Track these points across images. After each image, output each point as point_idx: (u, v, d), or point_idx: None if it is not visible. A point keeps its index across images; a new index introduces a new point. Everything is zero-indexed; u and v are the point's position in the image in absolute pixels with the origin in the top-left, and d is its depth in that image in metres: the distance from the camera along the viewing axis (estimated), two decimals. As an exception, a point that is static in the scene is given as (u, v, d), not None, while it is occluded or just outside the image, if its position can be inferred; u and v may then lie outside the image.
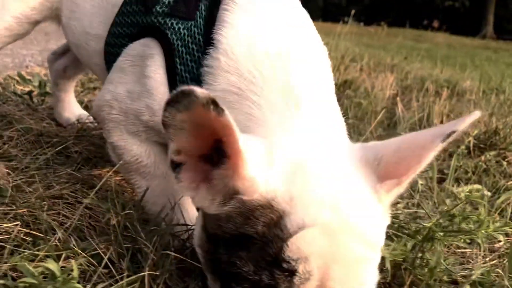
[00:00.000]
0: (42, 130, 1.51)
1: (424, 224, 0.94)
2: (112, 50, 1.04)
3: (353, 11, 4.46)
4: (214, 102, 0.56)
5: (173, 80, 0.89)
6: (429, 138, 0.69)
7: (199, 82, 0.85)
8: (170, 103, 0.57)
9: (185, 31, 0.89)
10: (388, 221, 0.74)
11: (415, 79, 3.76)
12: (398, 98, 2.52)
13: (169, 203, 0.97)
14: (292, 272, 0.62)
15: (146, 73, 0.91)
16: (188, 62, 0.88)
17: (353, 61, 4.06)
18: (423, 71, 4.39)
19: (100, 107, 1.00)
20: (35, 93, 1.93)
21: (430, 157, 0.68)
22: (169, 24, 0.91)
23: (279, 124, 0.75)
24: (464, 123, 0.67)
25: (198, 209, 0.85)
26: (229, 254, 0.66)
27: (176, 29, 0.90)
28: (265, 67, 0.80)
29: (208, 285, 0.77)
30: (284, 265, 0.62)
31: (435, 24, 14.37)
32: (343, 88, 3.03)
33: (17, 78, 2.16)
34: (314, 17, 1.02)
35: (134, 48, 0.97)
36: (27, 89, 2.05)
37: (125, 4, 1.01)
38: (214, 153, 0.65)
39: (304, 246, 0.63)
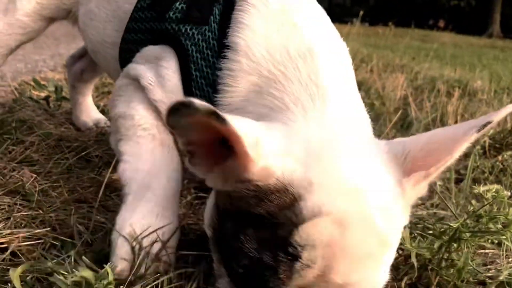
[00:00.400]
0: (61, 134, 1.52)
1: (451, 224, 0.94)
2: (126, 56, 1.03)
3: (361, 12, 4.46)
4: (215, 113, 0.56)
5: (188, 85, 0.89)
6: (460, 131, 0.68)
7: (214, 87, 0.85)
8: (171, 113, 0.56)
9: (199, 36, 0.88)
10: (406, 219, 0.72)
11: (425, 80, 3.76)
12: (410, 99, 2.52)
13: (150, 173, 0.89)
14: (295, 257, 0.62)
15: (161, 73, 0.90)
16: (203, 68, 0.87)
17: (362, 62, 4.06)
18: (433, 71, 4.38)
19: (120, 84, 0.99)
20: (52, 98, 1.94)
21: (462, 148, 0.66)
22: (183, 31, 0.90)
23: (302, 114, 0.75)
24: (499, 115, 0.66)
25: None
26: (236, 229, 0.66)
27: (190, 35, 0.89)
28: (286, 66, 0.81)
29: (214, 269, 0.76)
30: (290, 249, 0.61)
31: (441, 23, 14.33)
32: (354, 89, 3.03)
33: (32, 83, 2.18)
34: None
35: (150, 49, 0.96)
36: (42, 94, 2.07)
37: (137, 10, 1.01)
38: (224, 143, 0.65)
39: (314, 234, 0.62)
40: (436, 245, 0.95)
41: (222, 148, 0.65)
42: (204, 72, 0.87)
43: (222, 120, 0.56)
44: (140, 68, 0.94)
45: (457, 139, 0.67)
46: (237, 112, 0.80)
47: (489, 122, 0.65)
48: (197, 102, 0.54)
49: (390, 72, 3.76)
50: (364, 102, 2.57)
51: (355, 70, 2.98)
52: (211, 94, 0.86)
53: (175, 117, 0.57)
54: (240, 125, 0.59)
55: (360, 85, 3.14)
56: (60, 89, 1.94)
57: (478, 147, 1.94)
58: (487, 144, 1.98)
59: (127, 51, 1.02)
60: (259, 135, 0.64)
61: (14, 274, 0.71)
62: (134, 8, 1.01)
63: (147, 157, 0.91)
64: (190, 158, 0.67)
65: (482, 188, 0.95)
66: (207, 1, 0.92)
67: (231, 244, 0.66)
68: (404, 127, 2.37)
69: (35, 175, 1.19)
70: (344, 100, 0.79)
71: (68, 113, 1.84)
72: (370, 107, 2.57)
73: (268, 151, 0.64)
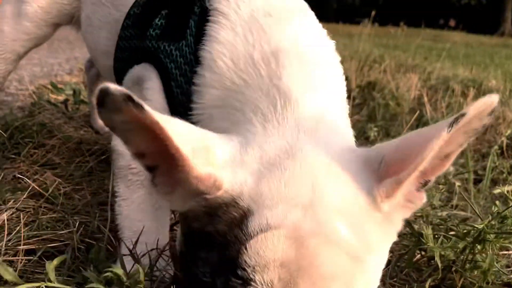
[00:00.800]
0: (81, 138, 1.54)
1: (475, 225, 0.93)
2: (120, 76, 1.00)
3: (373, 12, 4.44)
4: (130, 98, 0.49)
5: (172, 103, 0.86)
6: (433, 130, 0.58)
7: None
8: (99, 105, 0.50)
9: (177, 52, 0.85)
10: (387, 232, 0.62)
11: (438, 80, 3.73)
12: (425, 99, 2.51)
13: (141, 222, 0.90)
14: (247, 281, 0.54)
15: (145, 95, 0.88)
16: (183, 84, 0.84)
17: (374, 62, 4.05)
18: (445, 71, 4.35)
19: None
20: (70, 101, 1.96)
21: (434, 148, 0.56)
22: (162, 48, 0.87)
23: (261, 123, 0.68)
24: (474, 107, 0.55)
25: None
26: (192, 253, 0.62)
27: (169, 51, 0.86)
28: (249, 74, 0.75)
29: None
30: (239, 272, 0.54)
31: (452, 23, 14.21)
32: (367, 90, 3.02)
33: (50, 87, 2.20)
34: (328, 19, 0.99)
35: (134, 71, 0.94)
36: (60, 97, 2.09)
37: (123, 28, 0.99)
38: None
39: (265, 252, 0.54)
40: (460, 246, 0.94)
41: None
42: (184, 88, 0.83)
43: (139, 106, 0.50)
44: None
45: (429, 139, 0.57)
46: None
47: (462, 115, 0.55)
48: (112, 86, 0.49)
49: (403, 72, 3.74)
50: (378, 102, 2.55)
51: (368, 70, 2.97)
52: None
53: (105, 112, 0.51)
54: (169, 121, 0.54)
55: (374, 85, 3.13)
56: (78, 93, 1.96)
57: (496, 147, 1.93)
58: (504, 144, 1.97)
59: (120, 70, 1.00)
60: (209, 143, 0.59)
61: (50, 266, 0.72)
62: (121, 26, 0.99)
63: (136, 206, 0.92)
64: (152, 177, 0.60)
65: (506, 188, 0.95)
66: (184, 14, 0.88)
67: (189, 270, 0.62)
68: (420, 128, 2.36)
69: (58, 179, 1.20)
70: (313, 104, 0.70)
71: (86, 116, 1.86)
72: (385, 108, 2.58)
73: (217, 160, 0.59)
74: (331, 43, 0.85)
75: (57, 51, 3.83)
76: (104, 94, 0.49)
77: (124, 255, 0.84)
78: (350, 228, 0.57)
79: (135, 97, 0.49)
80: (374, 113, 2.47)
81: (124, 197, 0.93)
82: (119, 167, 0.94)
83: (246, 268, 0.54)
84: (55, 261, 0.75)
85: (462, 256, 0.95)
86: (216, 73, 0.77)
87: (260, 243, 0.54)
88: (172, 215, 1.22)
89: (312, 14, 0.89)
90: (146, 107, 0.50)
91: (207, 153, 0.58)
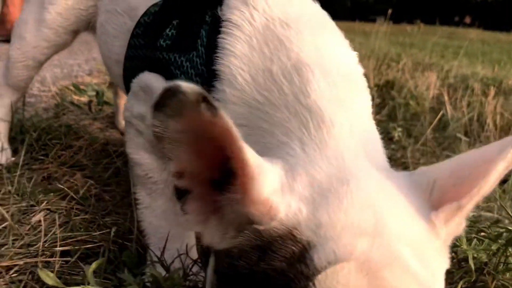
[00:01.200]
0: (107, 139, 1.56)
1: (509, 227, 0.93)
2: (128, 84, 0.98)
3: (390, 11, 4.41)
4: (205, 99, 0.44)
5: None
6: (494, 150, 0.56)
7: None
8: (157, 107, 0.45)
9: (188, 63, 0.82)
10: (446, 262, 0.59)
11: (457, 78, 3.70)
12: (446, 98, 2.48)
13: (165, 229, 0.90)
14: None
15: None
16: None
17: (391, 61, 4.02)
18: (463, 69, 4.30)
19: (124, 120, 0.98)
20: (93, 102, 1.99)
21: (499, 169, 0.54)
22: (172, 59, 0.84)
23: (299, 147, 0.63)
24: None
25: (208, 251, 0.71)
26: None
27: (179, 63, 0.83)
28: (270, 90, 0.71)
29: None
30: None
31: (467, 20, 14.05)
32: (386, 89, 3.01)
33: (72, 88, 2.23)
34: (342, 17, 0.95)
35: (144, 77, 0.91)
36: (82, 99, 2.12)
37: (133, 36, 0.97)
38: (223, 175, 0.54)
39: (336, 286, 0.50)
40: (493, 247, 0.94)
41: (221, 190, 0.55)
42: None
43: (214, 110, 0.44)
44: (132, 102, 0.93)
45: (491, 160, 0.54)
46: None
47: None
48: (184, 84, 0.43)
49: (421, 71, 3.71)
50: (398, 102, 2.53)
51: (386, 69, 2.95)
52: None
53: (161, 116, 0.46)
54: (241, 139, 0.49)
55: (392, 84, 3.11)
56: (101, 94, 1.98)
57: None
58: (528, 144, 1.94)
59: (129, 79, 0.98)
60: (260, 163, 0.53)
61: (89, 270, 0.73)
62: (131, 34, 0.98)
63: (159, 213, 0.93)
64: (183, 203, 0.55)
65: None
66: (195, 23, 0.85)
67: None
68: (440, 127, 2.34)
69: (88, 180, 1.22)
70: (348, 123, 0.66)
71: (110, 117, 1.87)
72: (405, 107, 2.56)
73: (269, 185, 0.53)
74: (354, 54, 0.80)
75: (75, 52, 3.87)
76: (171, 94, 0.43)
77: (154, 262, 0.85)
78: (416, 257, 0.53)
79: (210, 97, 0.44)
80: (394, 113, 2.46)
81: (146, 205, 0.94)
82: (137, 176, 0.94)
83: None
84: (94, 265, 0.76)
85: (495, 259, 0.94)
86: (237, 89, 0.73)
87: (330, 278, 0.50)
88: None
89: (332, 23, 0.84)
90: (221, 110, 0.45)
91: (261, 173, 0.52)
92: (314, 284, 0.50)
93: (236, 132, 0.47)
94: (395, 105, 2.57)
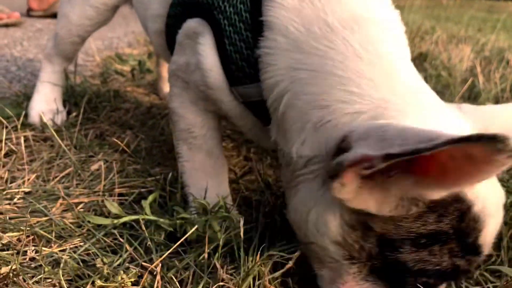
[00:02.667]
0: (151, 102, 1.68)
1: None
2: (172, 31, 1.03)
3: (425, -17, 4.33)
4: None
5: (224, 61, 0.88)
6: None
7: (249, 62, 0.85)
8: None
9: (231, 9, 0.86)
10: None
11: (492, 51, 3.65)
12: (478, 69, 2.49)
13: (204, 180, 0.99)
14: (480, 254, 0.67)
15: (197, 50, 0.90)
16: (237, 42, 0.85)
17: (425, 34, 4.00)
18: (500, 42, 4.23)
19: (170, 76, 1.02)
20: (135, 70, 2.11)
21: None
22: (216, 4, 0.87)
23: (401, 101, 0.68)
24: None
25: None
26: (415, 251, 0.64)
27: (222, 8, 0.86)
28: (333, 41, 0.75)
29: (320, 283, 0.77)
30: (479, 250, 0.66)
31: (508, -7, 13.49)
32: (418, 61, 3.02)
33: (115, 58, 2.36)
34: None
35: (188, 25, 0.95)
36: (125, 68, 2.25)
37: None
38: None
39: (489, 232, 0.66)
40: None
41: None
42: (238, 46, 0.85)
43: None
44: (179, 54, 0.97)
45: None
46: (288, 93, 0.78)
47: None
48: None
49: (455, 43, 3.68)
50: (430, 73, 2.55)
51: (419, 42, 2.94)
52: (246, 68, 0.86)
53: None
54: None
55: (425, 57, 3.12)
56: (143, 63, 2.10)
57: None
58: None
59: (172, 27, 1.02)
60: None
61: (146, 202, 0.85)
62: None
63: (198, 166, 1.01)
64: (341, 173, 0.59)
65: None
66: None
67: (407, 268, 0.65)
68: (472, 98, 2.36)
69: (138, 135, 1.34)
70: (414, 73, 0.74)
71: (152, 85, 1.99)
72: (437, 78, 2.59)
73: None
74: (397, 13, 0.84)
75: (114, 26, 4.00)
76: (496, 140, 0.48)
77: (198, 200, 0.95)
78: None
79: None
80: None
81: (187, 158, 1.02)
82: (180, 130, 1.01)
83: (482, 245, 0.66)
84: (150, 198, 0.88)
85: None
86: (291, 38, 0.78)
87: (487, 227, 0.65)
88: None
89: None
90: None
91: None
92: (480, 232, 0.65)
93: None
94: (426, 76, 2.59)
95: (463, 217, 0.63)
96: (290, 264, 0.76)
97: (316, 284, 0.79)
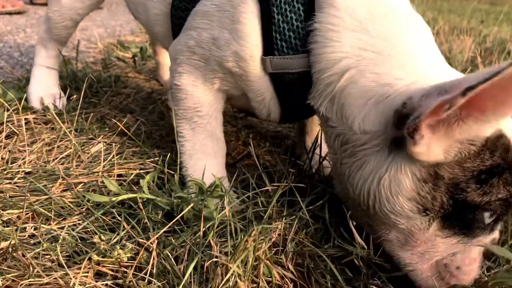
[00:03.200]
0: (152, 88, 1.69)
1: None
2: (181, 14, 1.03)
3: (428, -26, 4.31)
4: None
5: (267, 29, 0.89)
6: None
7: (298, 33, 0.87)
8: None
9: None
10: None
11: (494, 42, 3.65)
12: (479, 60, 2.50)
13: (203, 161, 1.01)
14: None
15: (238, 18, 0.89)
16: (287, 12, 0.88)
17: (427, 24, 3.98)
18: (503, 34, 4.22)
19: (180, 52, 0.99)
20: (137, 57, 2.12)
21: None
22: None
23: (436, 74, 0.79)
24: None
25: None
26: (479, 188, 0.74)
27: None
28: (388, 28, 0.83)
29: (388, 248, 0.84)
30: None
31: (513, -14, 13.39)
32: (419, 52, 3.02)
33: (117, 45, 2.37)
34: None
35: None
36: (127, 54, 2.26)
37: None
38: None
39: None
40: None
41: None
42: (287, 17, 0.87)
43: None
44: (200, 30, 0.95)
45: None
46: (352, 70, 0.83)
47: None
48: None
49: (457, 35, 3.67)
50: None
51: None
52: (292, 39, 0.88)
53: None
54: None
55: (426, 47, 3.11)
56: (144, 49, 2.11)
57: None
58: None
59: (182, 10, 1.01)
60: None
61: (144, 181, 0.87)
62: None
63: (199, 147, 1.02)
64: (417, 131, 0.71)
65: None
66: None
67: (474, 202, 0.75)
68: (472, 88, 2.36)
69: (138, 119, 1.36)
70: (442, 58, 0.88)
71: (153, 71, 2.01)
72: (437, 67, 2.59)
73: None
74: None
75: (116, 14, 4.01)
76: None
77: (194, 180, 0.96)
78: None
79: None
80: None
81: (188, 138, 1.03)
82: (185, 108, 1.01)
83: None
84: (148, 177, 0.90)
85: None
86: (357, 19, 0.83)
87: None
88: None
89: None
90: None
91: None
92: None
93: None
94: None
95: (508, 149, 0.74)
96: (275, 236, 0.78)
97: (308, 267, 0.82)
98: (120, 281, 0.77)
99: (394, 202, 0.78)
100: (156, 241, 0.79)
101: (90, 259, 0.78)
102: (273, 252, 0.85)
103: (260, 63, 0.91)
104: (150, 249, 0.79)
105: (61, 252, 0.80)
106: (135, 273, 0.78)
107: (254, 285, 0.80)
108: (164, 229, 0.81)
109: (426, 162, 0.75)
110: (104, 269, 0.79)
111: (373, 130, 0.79)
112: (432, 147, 0.73)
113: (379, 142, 0.79)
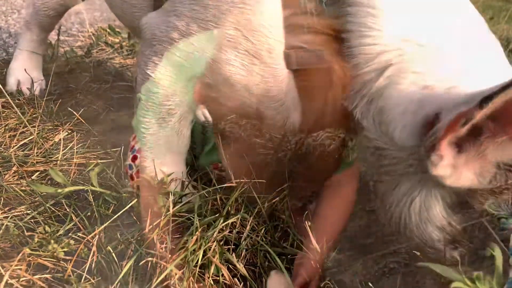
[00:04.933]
0: (135, 76, 1.66)
1: None
2: None
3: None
4: None
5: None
6: None
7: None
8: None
9: None
10: None
11: (501, 41, 3.56)
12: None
13: (165, 156, 0.94)
14: None
15: (259, 9, 0.74)
16: None
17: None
18: (511, 32, 4.11)
19: (159, 40, 0.85)
20: (125, 43, 2.08)
21: None
22: None
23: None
24: None
25: None
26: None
27: None
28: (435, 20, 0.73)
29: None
30: None
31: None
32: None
33: (108, 30, 2.33)
34: None
35: None
36: (117, 40, 2.22)
37: None
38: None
39: None
40: None
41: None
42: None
43: None
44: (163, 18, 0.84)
45: None
46: (392, 67, 0.71)
47: None
48: None
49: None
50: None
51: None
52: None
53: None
54: None
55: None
56: (133, 35, 2.07)
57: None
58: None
59: None
60: None
61: (93, 173, 0.84)
62: None
63: (163, 142, 0.93)
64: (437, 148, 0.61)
65: None
66: None
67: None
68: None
69: (108, 107, 1.33)
70: None
71: (139, 58, 1.97)
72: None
73: None
74: None
75: (118, -2, 3.97)
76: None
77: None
78: None
79: None
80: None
81: (153, 132, 0.92)
82: (157, 103, 0.88)
83: None
84: (97, 169, 0.87)
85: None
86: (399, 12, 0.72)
87: None
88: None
89: None
90: None
91: None
92: None
93: None
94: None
95: None
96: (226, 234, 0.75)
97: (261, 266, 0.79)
98: (59, 275, 0.75)
99: (423, 229, 0.68)
100: (97, 236, 0.76)
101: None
102: (225, 250, 0.82)
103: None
104: (91, 244, 0.76)
105: (3, 242, 0.78)
106: (73, 269, 0.75)
107: (201, 284, 0.77)
108: (105, 225, 0.79)
109: (457, 187, 0.62)
110: (46, 263, 0.77)
111: (410, 145, 0.68)
112: (458, 169, 0.61)
113: (415, 158, 0.68)
